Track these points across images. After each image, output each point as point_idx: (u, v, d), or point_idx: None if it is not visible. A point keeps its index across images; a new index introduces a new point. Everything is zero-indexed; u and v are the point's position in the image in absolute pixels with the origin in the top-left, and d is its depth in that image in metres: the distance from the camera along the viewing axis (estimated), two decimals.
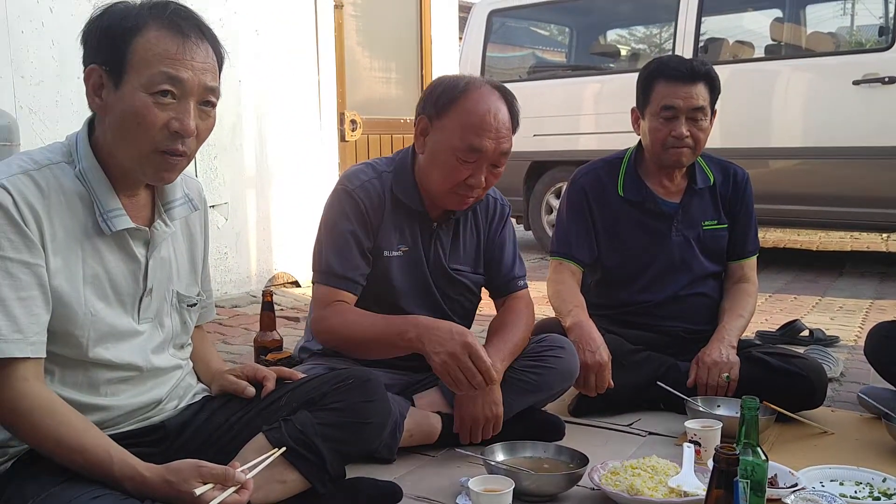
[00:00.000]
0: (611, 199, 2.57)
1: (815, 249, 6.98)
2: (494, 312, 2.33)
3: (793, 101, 5.42)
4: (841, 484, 1.85)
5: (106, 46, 1.40)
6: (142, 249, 1.52)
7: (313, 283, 2.14)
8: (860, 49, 5.66)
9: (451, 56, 6.21)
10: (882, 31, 5.12)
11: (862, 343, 2.60)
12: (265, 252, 4.79)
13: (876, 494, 1.80)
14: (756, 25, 6.03)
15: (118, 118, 1.40)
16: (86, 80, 1.43)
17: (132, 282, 1.51)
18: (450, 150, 2.01)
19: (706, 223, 2.59)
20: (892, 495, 1.79)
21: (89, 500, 1.30)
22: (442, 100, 2.04)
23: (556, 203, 6.26)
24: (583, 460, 1.89)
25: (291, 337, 3.31)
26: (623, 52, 7.12)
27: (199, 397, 1.70)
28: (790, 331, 3.40)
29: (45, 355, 1.38)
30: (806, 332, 3.40)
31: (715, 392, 2.35)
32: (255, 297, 4.47)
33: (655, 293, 2.57)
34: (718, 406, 2.30)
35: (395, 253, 2.13)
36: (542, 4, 6.72)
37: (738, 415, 1.56)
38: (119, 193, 1.47)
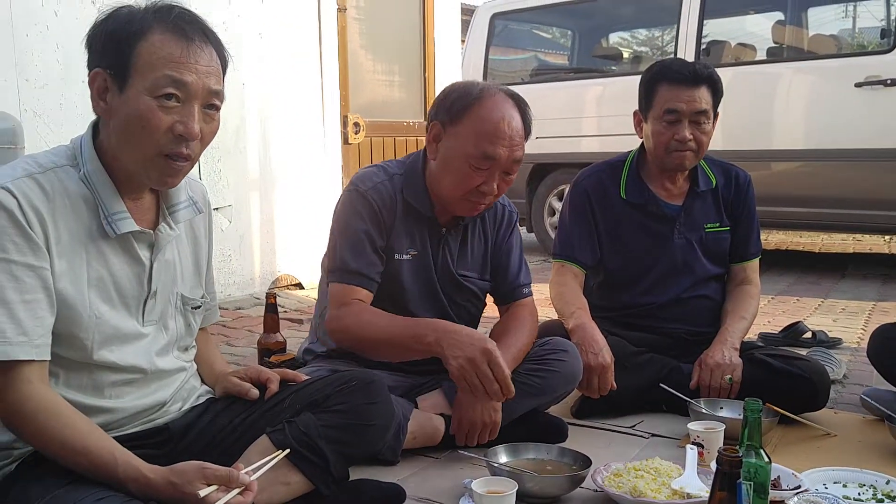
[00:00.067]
0: (613, 202, 2.58)
1: (817, 251, 6.98)
2: (497, 316, 2.33)
3: (795, 103, 5.43)
4: (844, 486, 1.86)
5: (110, 50, 1.40)
6: (146, 252, 1.53)
7: (328, 283, 2.13)
8: (862, 51, 5.66)
9: (453, 59, 6.21)
10: (884, 33, 5.13)
11: (864, 345, 2.60)
12: (269, 254, 4.79)
13: (879, 496, 1.80)
14: (758, 28, 6.03)
15: (122, 122, 1.40)
16: (90, 83, 1.43)
17: (136, 284, 1.52)
18: (463, 156, 2.01)
19: (708, 226, 2.59)
20: (895, 497, 1.79)
21: (94, 502, 1.30)
22: (456, 106, 2.04)
23: (558, 205, 6.27)
24: (586, 462, 1.89)
25: (295, 339, 3.32)
26: (625, 55, 7.13)
27: (202, 399, 1.71)
28: (793, 333, 3.40)
29: (49, 358, 1.38)
30: (809, 334, 3.41)
31: (718, 394, 2.36)
32: (258, 299, 4.48)
33: (658, 295, 2.57)
34: (721, 408, 2.30)
35: (405, 257, 2.13)
36: (545, 7, 6.72)
37: (741, 417, 1.56)
38: (123, 196, 1.48)
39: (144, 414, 1.56)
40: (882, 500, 1.78)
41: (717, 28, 5.95)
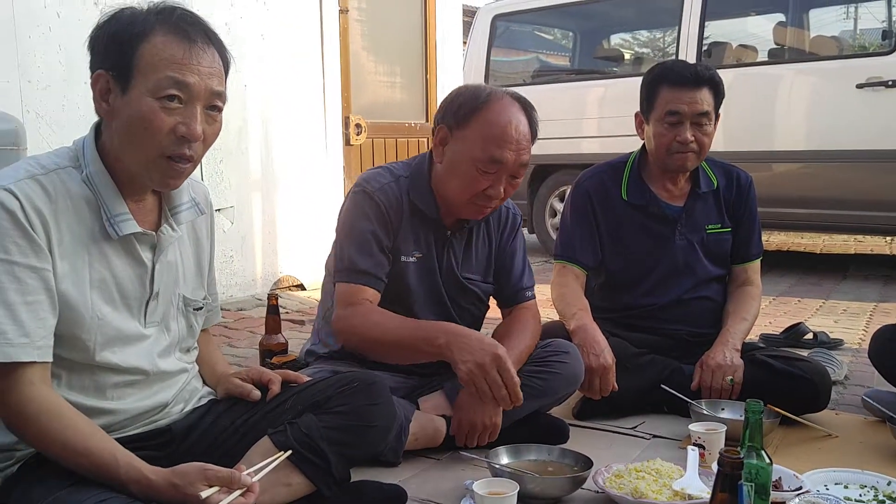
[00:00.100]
0: (614, 203, 2.58)
1: (818, 252, 6.97)
2: (500, 317, 2.33)
3: (796, 104, 5.43)
4: (845, 487, 1.85)
5: (113, 52, 1.40)
6: (148, 254, 1.53)
7: (334, 283, 2.12)
8: (863, 53, 5.66)
9: (455, 60, 6.21)
10: (885, 34, 5.12)
11: (866, 346, 2.60)
12: (270, 255, 4.80)
13: (881, 498, 1.80)
14: (759, 29, 6.03)
15: (125, 123, 1.41)
16: (93, 85, 1.43)
17: (139, 286, 1.52)
18: (470, 160, 2.02)
19: (710, 227, 2.59)
20: None
21: None
22: (463, 110, 2.04)
23: (559, 206, 6.27)
24: (587, 463, 1.89)
25: (296, 340, 3.32)
26: (627, 56, 7.13)
27: (204, 401, 1.71)
28: (794, 334, 3.40)
29: (51, 359, 1.39)
30: (810, 335, 3.41)
31: (719, 395, 2.36)
32: (260, 300, 4.49)
33: (659, 297, 2.57)
34: (722, 409, 2.31)
35: (410, 259, 2.14)
36: (546, 9, 6.72)
37: (742, 418, 1.56)
38: (126, 198, 1.48)
39: (146, 415, 1.56)
40: (883, 502, 1.78)
41: (719, 29, 5.95)
